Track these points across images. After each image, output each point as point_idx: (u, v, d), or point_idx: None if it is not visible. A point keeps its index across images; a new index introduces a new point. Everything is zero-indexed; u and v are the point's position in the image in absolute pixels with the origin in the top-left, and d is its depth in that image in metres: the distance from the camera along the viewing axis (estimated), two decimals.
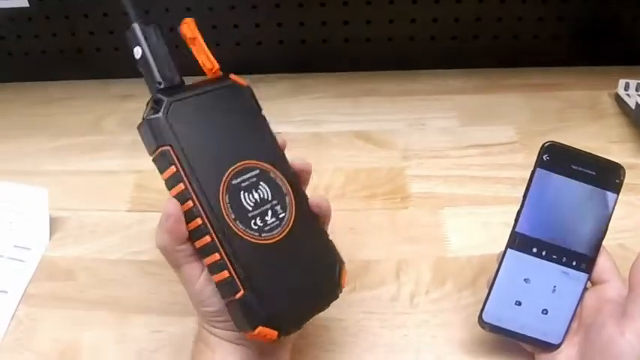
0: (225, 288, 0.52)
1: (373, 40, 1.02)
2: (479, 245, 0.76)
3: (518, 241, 0.61)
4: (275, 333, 0.51)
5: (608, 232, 0.61)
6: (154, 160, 0.54)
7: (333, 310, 0.68)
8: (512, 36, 1.01)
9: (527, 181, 0.61)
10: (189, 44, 0.58)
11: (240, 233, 0.51)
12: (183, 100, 0.53)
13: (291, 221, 0.54)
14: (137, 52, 0.56)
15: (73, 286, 0.75)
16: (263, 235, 0.52)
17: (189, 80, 0.56)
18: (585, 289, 0.61)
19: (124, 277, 0.75)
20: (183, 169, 0.51)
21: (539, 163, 0.61)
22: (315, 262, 0.55)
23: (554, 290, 0.60)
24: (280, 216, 0.54)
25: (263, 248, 0.52)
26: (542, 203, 0.61)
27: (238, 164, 0.53)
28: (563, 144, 0.61)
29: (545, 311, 0.60)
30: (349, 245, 0.74)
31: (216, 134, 0.54)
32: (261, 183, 0.54)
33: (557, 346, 0.60)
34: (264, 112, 0.57)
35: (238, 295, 0.51)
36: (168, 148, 0.52)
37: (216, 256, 0.51)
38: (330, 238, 0.57)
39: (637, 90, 0.96)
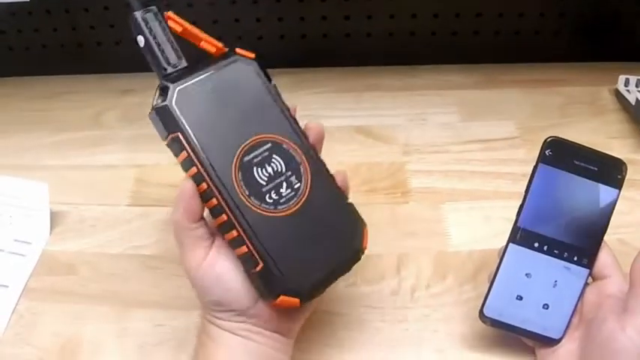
0: (245, 262, 0.54)
1: (374, 35, 1.02)
2: (480, 240, 0.76)
3: (520, 236, 0.61)
4: (296, 300, 0.53)
5: (609, 227, 0.61)
6: (167, 146, 0.55)
7: (334, 305, 0.68)
8: (513, 32, 1.01)
9: (528, 176, 0.61)
10: (184, 37, 0.58)
11: (255, 208, 0.53)
12: (188, 84, 0.54)
13: (307, 190, 0.55)
14: (140, 40, 0.57)
15: (73, 280, 0.75)
16: (279, 207, 0.54)
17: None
18: (586, 284, 0.61)
19: (124, 271, 0.75)
20: (195, 153, 0.53)
21: (542, 158, 0.61)
22: (333, 227, 0.56)
23: (555, 285, 0.61)
24: (295, 186, 0.55)
25: (279, 220, 0.54)
26: (544, 198, 0.61)
27: (249, 140, 0.54)
28: (565, 139, 0.61)
29: (546, 306, 0.61)
30: None
31: (225, 114, 0.55)
32: (274, 156, 0.55)
33: (558, 340, 0.60)
34: (273, 84, 0.58)
35: (258, 268, 0.52)
36: (178, 134, 0.53)
37: (234, 233, 0.53)
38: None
39: (637, 86, 0.96)
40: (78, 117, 1.00)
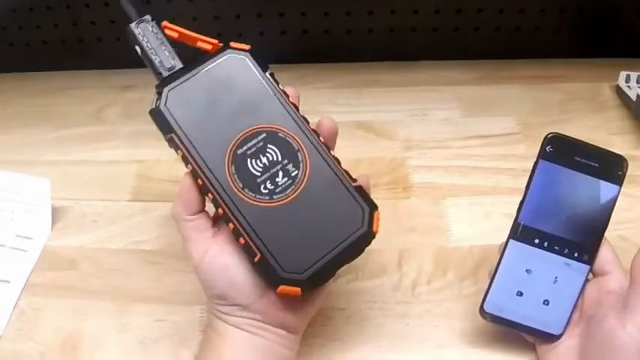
0: (246, 253, 0.54)
1: (375, 30, 1.02)
2: (480, 235, 0.77)
3: (520, 232, 0.61)
4: (297, 290, 0.53)
5: (609, 223, 0.61)
6: (168, 144, 0.57)
7: (335, 300, 0.68)
8: (513, 27, 1.01)
9: (529, 172, 0.61)
10: (181, 41, 0.60)
11: (249, 200, 0.54)
12: (180, 86, 0.56)
13: (306, 177, 0.55)
14: (137, 49, 0.60)
15: (75, 275, 0.75)
16: (275, 197, 0.54)
17: None
18: (587, 280, 0.61)
19: (125, 266, 0.76)
20: (188, 152, 0.55)
21: (542, 155, 0.61)
22: (336, 213, 0.55)
23: (555, 281, 0.61)
24: (293, 174, 0.55)
25: (276, 210, 0.54)
26: (545, 194, 0.61)
27: (242, 133, 0.56)
28: (566, 135, 0.61)
29: (546, 302, 0.61)
30: None
31: (217, 109, 0.56)
32: (269, 146, 0.56)
33: (558, 336, 0.61)
34: (270, 72, 0.58)
35: (256, 259, 0.53)
36: (172, 134, 0.55)
37: (231, 226, 0.54)
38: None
39: (638, 82, 0.96)
40: (79, 113, 1.00)
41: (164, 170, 0.87)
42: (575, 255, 0.60)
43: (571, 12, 0.99)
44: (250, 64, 0.58)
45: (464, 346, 0.66)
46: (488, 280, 0.62)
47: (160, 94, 0.56)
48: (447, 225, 0.79)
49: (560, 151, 0.60)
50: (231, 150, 0.55)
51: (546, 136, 0.61)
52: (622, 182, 0.61)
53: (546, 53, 1.04)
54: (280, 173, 0.55)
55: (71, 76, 1.07)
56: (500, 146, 0.89)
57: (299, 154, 0.56)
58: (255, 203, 0.54)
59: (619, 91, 0.97)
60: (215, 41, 0.60)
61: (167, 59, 0.58)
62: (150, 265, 0.75)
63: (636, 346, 0.53)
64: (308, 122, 0.58)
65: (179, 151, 0.55)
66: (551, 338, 0.61)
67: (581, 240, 0.61)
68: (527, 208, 0.61)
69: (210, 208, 0.57)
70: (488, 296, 0.61)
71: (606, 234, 0.61)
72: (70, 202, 0.84)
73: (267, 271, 0.53)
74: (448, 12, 0.99)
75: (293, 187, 0.55)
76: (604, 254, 0.61)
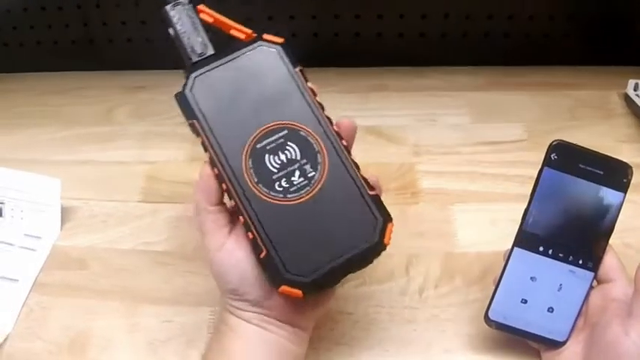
0: (253, 248, 0.54)
1: (384, 35, 1.02)
2: (488, 241, 0.77)
3: (525, 240, 0.61)
4: (299, 292, 0.52)
5: (614, 231, 0.61)
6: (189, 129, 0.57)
7: (343, 304, 0.69)
8: (523, 34, 1.01)
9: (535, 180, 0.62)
10: (216, 26, 0.60)
11: (262, 196, 0.54)
12: (208, 73, 0.56)
13: (323, 179, 0.54)
14: (170, 32, 0.59)
15: (84, 275, 0.76)
16: (288, 196, 0.54)
17: None
18: (591, 287, 0.61)
19: (135, 267, 0.76)
20: (208, 139, 0.55)
21: (547, 162, 0.61)
22: (348, 220, 0.54)
23: (560, 288, 0.61)
24: (309, 175, 0.54)
25: (287, 209, 0.54)
26: (550, 202, 0.61)
27: (264, 127, 0.55)
28: (570, 143, 0.61)
29: (551, 309, 0.61)
30: None
31: (242, 100, 0.56)
32: (289, 143, 0.55)
33: (563, 343, 0.61)
34: (300, 68, 0.58)
35: (262, 255, 0.53)
36: (194, 121, 0.55)
37: (242, 219, 0.54)
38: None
39: None
40: (89, 113, 1.00)
41: (174, 172, 0.87)
42: (580, 262, 0.61)
43: (580, 19, 0.99)
44: (280, 58, 0.57)
45: (470, 351, 0.66)
46: (493, 288, 0.62)
47: (187, 79, 0.56)
48: (455, 231, 0.79)
49: (565, 158, 0.61)
50: (250, 143, 0.54)
51: (551, 144, 0.61)
52: (627, 189, 0.61)
53: (555, 60, 1.04)
54: (297, 172, 0.54)
55: (81, 76, 1.08)
56: (509, 153, 0.89)
57: (318, 155, 0.55)
58: (268, 200, 0.54)
59: (627, 99, 0.97)
60: (249, 31, 0.59)
61: (199, 44, 0.58)
62: (160, 266, 0.76)
63: None
64: (332, 123, 0.57)
65: (199, 138, 0.55)
66: (555, 345, 0.61)
67: (585, 247, 0.61)
68: (531, 216, 0.61)
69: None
70: (492, 304, 0.62)
71: (611, 241, 0.61)
72: (80, 202, 0.84)
73: (271, 269, 0.53)
74: (457, 17, 0.99)
75: (308, 187, 0.54)
76: (608, 261, 0.61)
